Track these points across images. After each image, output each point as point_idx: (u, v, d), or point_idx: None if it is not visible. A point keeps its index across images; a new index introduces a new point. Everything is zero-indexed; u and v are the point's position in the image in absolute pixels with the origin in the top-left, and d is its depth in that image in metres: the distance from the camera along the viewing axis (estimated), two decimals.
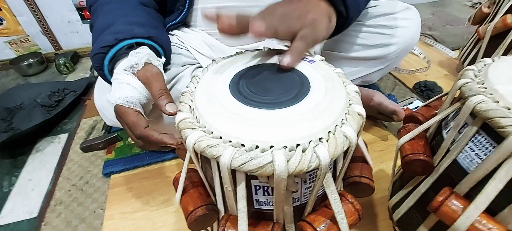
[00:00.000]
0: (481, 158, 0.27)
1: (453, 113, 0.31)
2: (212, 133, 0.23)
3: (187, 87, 0.30)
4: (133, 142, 0.64)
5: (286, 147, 0.21)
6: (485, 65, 0.31)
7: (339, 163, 0.27)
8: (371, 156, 0.58)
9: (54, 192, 0.56)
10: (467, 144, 0.28)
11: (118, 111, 0.35)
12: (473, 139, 0.28)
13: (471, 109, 0.26)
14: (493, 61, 0.32)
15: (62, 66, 0.99)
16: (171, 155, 0.60)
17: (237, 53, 0.37)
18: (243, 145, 0.22)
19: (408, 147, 0.34)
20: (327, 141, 0.22)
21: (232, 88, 0.28)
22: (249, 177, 0.24)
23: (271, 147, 0.21)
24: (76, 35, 1.07)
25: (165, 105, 0.33)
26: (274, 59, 0.33)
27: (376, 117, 0.64)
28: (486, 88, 0.27)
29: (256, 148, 0.22)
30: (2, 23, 0.98)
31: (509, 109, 0.24)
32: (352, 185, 0.31)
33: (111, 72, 0.40)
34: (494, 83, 0.27)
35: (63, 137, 0.72)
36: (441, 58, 0.93)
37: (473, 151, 0.28)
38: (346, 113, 0.25)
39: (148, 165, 0.60)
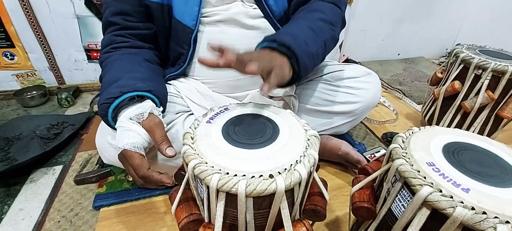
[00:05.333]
0: (405, 208, 0.34)
1: (388, 170, 0.39)
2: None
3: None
4: (124, 178, 0.69)
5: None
6: (411, 133, 0.40)
7: (295, 193, 0.33)
8: (340, 199, 0.66)
9: (44, 222, 0.60)
10: (396, 196, 0.36)
11: (125, 154, 0.42)
12: (400, 192, 0.35)
13: (395, 169, 0.35)
14: (419, 130, 0.41)
15: (64, 100, 1.06)
16: (158, 192, 0.65)
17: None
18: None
19: (356, 195, 0.41)
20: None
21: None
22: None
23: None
24: (81, 72, 1.16)
25: (165, 149, 0.42)
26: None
27: (345, 164, 0.72)
28: (407, 153, 0.36)
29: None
30: (14, 59, 1.06)
31: (418, 171, 0.32)
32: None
33: (113, 119, 0.47)
34: (412, 150, 0.36)
35: (58, 168, 0.76)
36: (408, 111, 1.04)
37: (400, 202, 0.35)
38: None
39: (137, 200, 0.64)
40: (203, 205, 0.34)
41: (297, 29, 0.51)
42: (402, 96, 1.14)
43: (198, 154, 0.32)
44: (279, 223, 0.32)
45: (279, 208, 0.31)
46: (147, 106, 0.46)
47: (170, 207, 0.61)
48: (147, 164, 0.42)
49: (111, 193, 0.65)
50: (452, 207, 0.28)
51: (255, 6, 0.60)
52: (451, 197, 0.29)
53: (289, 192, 0.32)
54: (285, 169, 0.30)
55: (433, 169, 0.32)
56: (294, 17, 0.57)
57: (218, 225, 0.31)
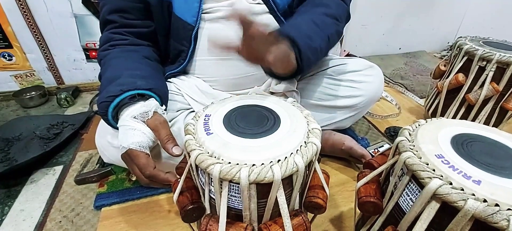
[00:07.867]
0: (413, 202, 0.33)
1: (395, 163, 0.38)
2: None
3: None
4: (125, 177, 0.69)
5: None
6: (418, 126, 0.39)
7: (294, 183, 0.33)
8: (344, 195, 0.65)
9: (45, 223, 0.59)
10: (404, 190, 0.35)
11: (131, 154, 0.41)
12: (407, 185, 0.34)
13: (403, 162, 0.34)
14: (426, 122, 0.41)
15: (63, 100, 1.05)
16: (161, 190, 0.64)
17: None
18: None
19: (362, 190, 0.40)
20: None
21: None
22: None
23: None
24: (80, 71, 1.15)
25: (172, 148, 0.41)
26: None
27: (349, 159, 0.71)
28: (414, 146, 0.35)
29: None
30: (12, 59, 1.05)
31: (427, 164, 0.32)
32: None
33: (114, 118, 0.47)
34: (420, 142, 0.35)
35: (58, 169, 0.75)
36: (410, 105, 1.03)
37: (408, 195, 0.34)
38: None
39: (138, 199, 0.64)
40: (204, 195, 0.34)
41: (301, 22, 0.50)
42: (404, 91, 1.13)
43: (199, 145, 0.31)
44: (278, 213, 0.32)
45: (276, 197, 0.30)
46: (152, 105, 0.45)
47: (172, 205, 0.61)
48: (153, 163, 0.41)
49: (112, 192, 0.64)
50: (463, 200, 0.27)
51: (260, 1, 0.59)
52: (462, 190, 0.28)
53: (288, 182, 0.32)
54: (286, 157, 0.30)
55: (442, 161, 0.31)
56: (299, 10, 0.57)
57: (223, 213, 0.30)
